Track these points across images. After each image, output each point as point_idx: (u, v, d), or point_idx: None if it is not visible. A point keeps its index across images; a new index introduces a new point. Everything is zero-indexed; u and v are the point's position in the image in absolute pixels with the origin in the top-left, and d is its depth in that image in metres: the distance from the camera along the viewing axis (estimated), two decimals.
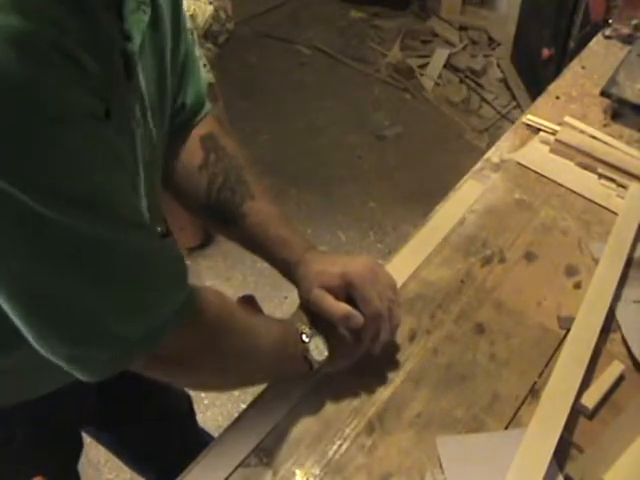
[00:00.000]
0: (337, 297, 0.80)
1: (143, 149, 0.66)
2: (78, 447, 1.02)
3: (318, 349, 0.78)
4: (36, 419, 0.83)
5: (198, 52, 1.58)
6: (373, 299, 0.79)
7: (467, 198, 1.10)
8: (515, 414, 0.82)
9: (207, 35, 1.85)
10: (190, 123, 0.85)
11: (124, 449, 1.21)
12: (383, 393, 0.84)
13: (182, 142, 0.85)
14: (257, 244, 0.84)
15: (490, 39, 3.18)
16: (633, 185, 1.10)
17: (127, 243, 0.55)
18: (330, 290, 0.80)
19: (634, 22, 1.41)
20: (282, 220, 0.85)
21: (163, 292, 0.60)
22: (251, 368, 0.76)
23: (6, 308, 0.54)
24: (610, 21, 1.45)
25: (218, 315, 0.68)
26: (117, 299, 0.56)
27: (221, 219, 0.84)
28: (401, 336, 0.89)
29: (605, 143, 1.17)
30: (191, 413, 1.27)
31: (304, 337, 0.78)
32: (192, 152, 0.84)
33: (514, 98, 2.88)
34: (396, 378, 0.86)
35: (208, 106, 0.87)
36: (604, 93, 1.24)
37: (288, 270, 0.84)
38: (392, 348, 0.88)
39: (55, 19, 0.48)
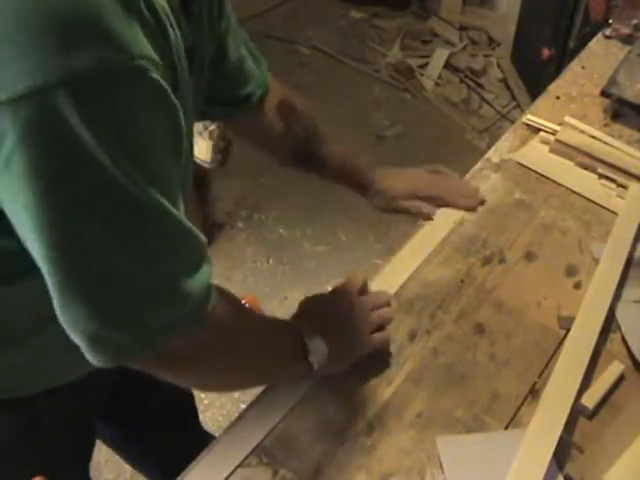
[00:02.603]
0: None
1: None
2: (92, 440, 1.03)
3: (318, 350, 0.78)
4: (60, 406, 0.83)
5: None
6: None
7: None
8: (515, 414, 0.82)
9: None
10: (262, 100, 0.94)
11: (127, 447, 1.22)
12: (383, 393, 0.84)
13: (259, 115, 0.95)
14: (337, 178, 1.09)
15: (490, 39, 3.18)
16: (633, 185, 1.10)
17: (167, 220, 0.56)
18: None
19: (634, 22, 1.41)
20: (352, 153, 1.08)
21: (190, 285, 0.59)
22: (254, 369, 0.75)
23: (46, 275, 0.53)
24: (610, 21, 1.45)
25: (232, 313, 0.69)
26: (150, 280, 0.56)
27: (305, 165, 1.05)
28: (401, 336, 0.89)
29: (605, 143, 1.17)
30: (194, 412, 1.28)
31: (305, 338, 0.78)
32: (272, 121, 0.97)
33: (514, 98, 2.87)
34: (396, 378, 0.86)
35: (269, 79, 0.94)
36: (604, 93, 1.24)
37: (365, 191, 1.13)
38: (392, 348, 0.88)
39: None
